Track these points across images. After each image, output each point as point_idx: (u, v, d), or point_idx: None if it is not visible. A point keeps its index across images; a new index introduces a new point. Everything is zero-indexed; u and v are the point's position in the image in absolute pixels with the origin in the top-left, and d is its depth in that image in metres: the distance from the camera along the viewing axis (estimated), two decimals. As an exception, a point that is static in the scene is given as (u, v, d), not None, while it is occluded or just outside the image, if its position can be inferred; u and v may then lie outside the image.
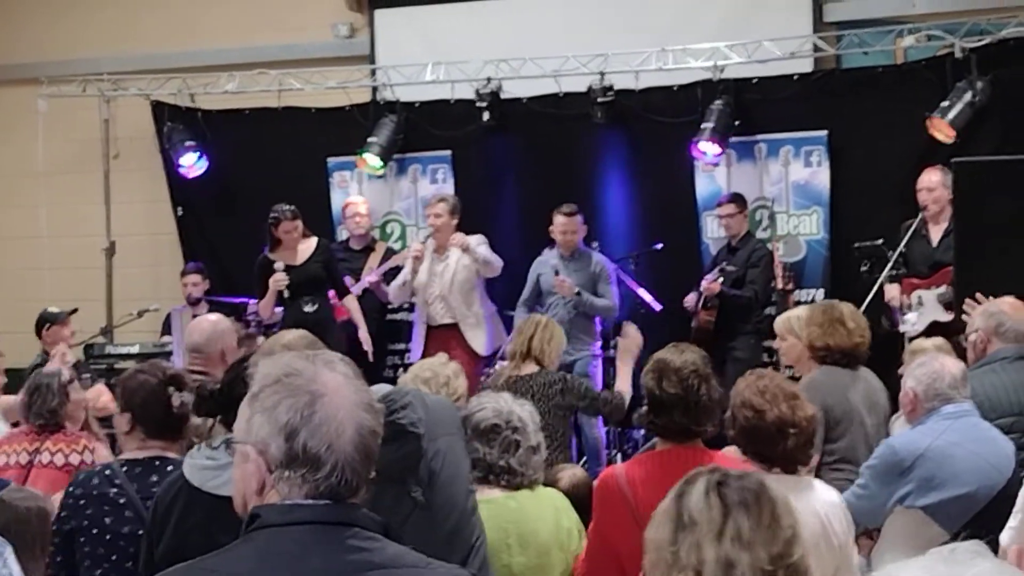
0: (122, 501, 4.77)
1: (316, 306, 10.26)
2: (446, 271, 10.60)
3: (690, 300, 10.74)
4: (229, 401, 4.37)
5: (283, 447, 2.50)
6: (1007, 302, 6.62)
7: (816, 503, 4.63)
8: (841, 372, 6.32)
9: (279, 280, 10.14)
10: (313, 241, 10.49)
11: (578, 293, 10.38)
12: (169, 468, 4.79)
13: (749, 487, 2.60)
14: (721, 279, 10.50)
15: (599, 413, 8.51)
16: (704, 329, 10.45)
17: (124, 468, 4.85)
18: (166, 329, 11.79)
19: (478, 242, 10.70)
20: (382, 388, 4.17)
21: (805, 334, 6.63)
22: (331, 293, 10.61)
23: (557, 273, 10.46)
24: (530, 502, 5.07)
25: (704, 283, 10.54)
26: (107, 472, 4.86)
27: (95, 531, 4.78)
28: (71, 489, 4.90)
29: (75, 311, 10.77)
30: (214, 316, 6.52)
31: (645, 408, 4.89)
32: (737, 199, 10.91)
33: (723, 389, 4.88)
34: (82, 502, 4.82)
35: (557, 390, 7.59)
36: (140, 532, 4.68)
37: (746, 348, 10.43)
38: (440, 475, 4.34)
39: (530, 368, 7.74)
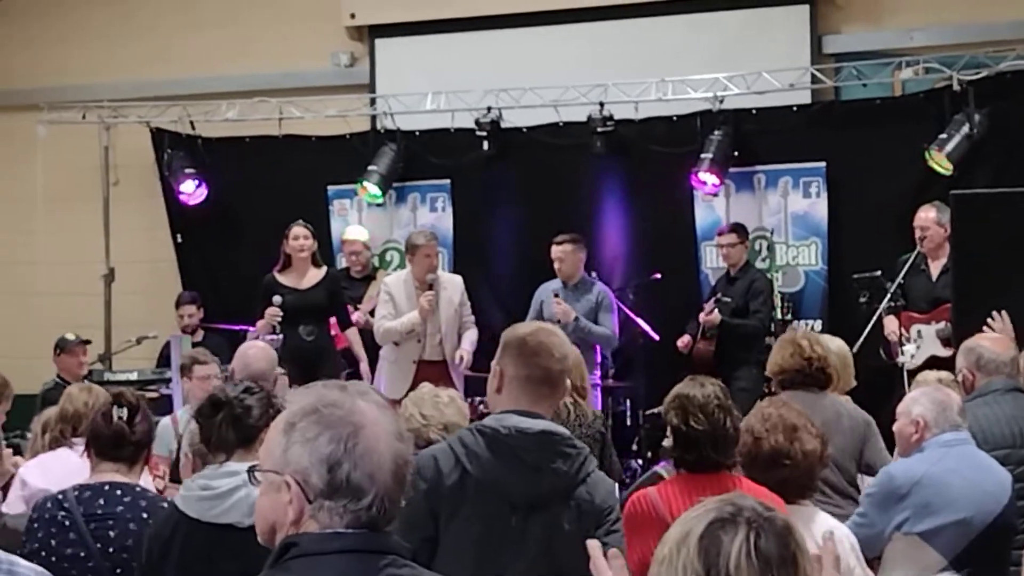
0: (67, 523, 4.80)
1: (315, 334, 10.24)
2: (439, 312, 10.44)
3: (683, 342, 10.71)
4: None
5: (325, 477, 2.53)
6: (986, 336, 6.69)
7: (816, 532, 4.63)
8: (802, 395, 6.33)
9: (273, 315, 10.10)
10: (323, 270, 10.47)
11: (576, 319, 10.33)
12: (118, 492, 4.85)
13: (782, 538, 2.36)
14: (717, 310, 10.51)
15: None
16: (703, 360, 10.41)
17: (76, 492, 4.88)
18: (163, 359, 11.78)
19: (470, 346, 10.54)
20: (560, 428, 4.20)
21: (768, 367, 6.66)
22: (332, 321, 10.59)
23: (557, 295, 10.43)
24: None
25: (702, 315, 10.55)
26: (59, 496, 4.91)
27: (43, 553, 4.81)
28: (31, 514, 4.97)
29: (88, 342, 10.90)
30: (261, 343, 6.64)
31: (670, 442, 4.91)
32: (738, 229, 10.93)
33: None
34: (35, 526, 4.89)
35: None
36: (82, 555, 4.76)
37: (749, 379, 10.37)
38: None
39: None
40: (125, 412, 4.92)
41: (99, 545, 4.75)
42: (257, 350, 6.93)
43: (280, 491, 2.57)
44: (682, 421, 4.83)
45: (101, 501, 4.83)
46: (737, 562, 2.29)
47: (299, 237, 10.33)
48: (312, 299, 10.26)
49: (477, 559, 4.02)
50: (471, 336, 10.49)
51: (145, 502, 4.85)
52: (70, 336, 10.81)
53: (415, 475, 4.08)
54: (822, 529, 4.70)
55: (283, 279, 10.31)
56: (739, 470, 4.90)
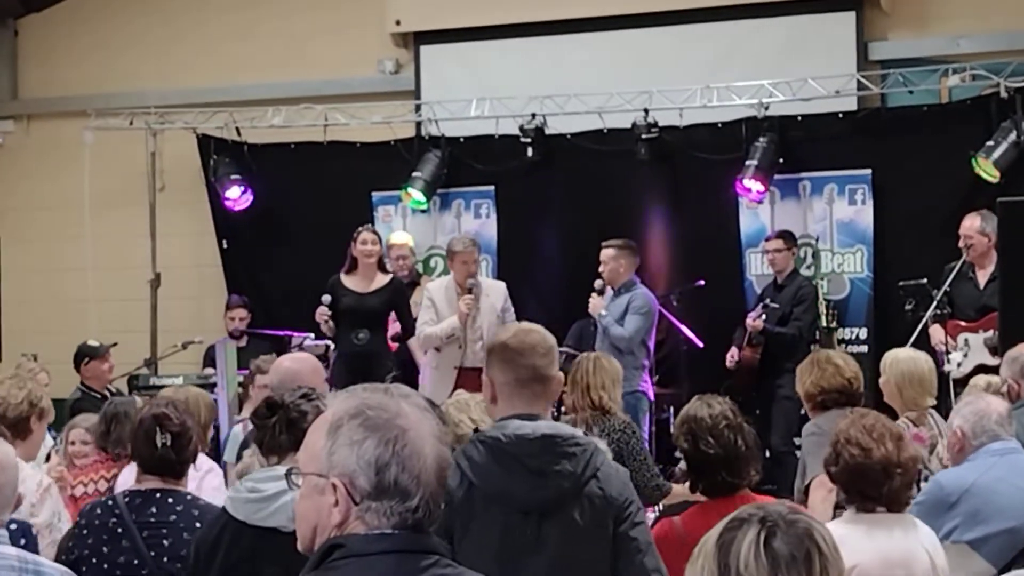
0: (119, 531, 4.79)
1: (366, 339, 10.24)
2: (481, 317, 10.43)
3: (731, 356, 10.66)
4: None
5: (373, 480, 2.54)
6: None
7: (923, 539, 4.64)
8: (838, 414, 6.29)
9: (321, 313, 10.15)
10: (388, 277, 10.47)
11: (600, 315, 10.21)
12: (170, 500, 4.83)
13: (798, 539, 2.40)
14: (764, 316, 10.48)
15: None
16: (749, 366, 10.40)
17: (126, 499, 4.86)
18: (208, 361, 11.85)
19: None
20: (562, 428, 4.19)
21: (800, 388, 6.62)
22: (398, 328, 10.60)
23: (600, 292, 10.41)
24: None
25: (748, 320, 10.53)
26: (109, 502, 4.89)
27: (94, 560, 4.80)
28: (79, 519, 4.94)
29: (114, 345, 10.82)
30: (302, 355, 6.43)
31: (684, 467, 4.89)
32: (785, 235, 10.89)
33: (757, 430, 4.89)
34: (85, 531, 4.86)
35: None
36: (135, 562, 4.73)
37: (792, 386, 10.33)
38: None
39: None
40: (169, 438, 4.85)
41: (152, 554, 4.72)
42: (291, 362, 6.36)
43: (324, 493, 2.57)
44: (693, 447, 4.81)
45: (153, 509, 4.80)
46: (747, 559, 2.37)
47: (367, 242, 10.33)
48: (369, 304, 10.24)
49: (496, 570, 4.01)
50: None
51: (198, 511, 4.82)
52: (93, 343, 10.61)
53: None
54: (925, 533, 4.71)
55: (347, 281, 10.32)
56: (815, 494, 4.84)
